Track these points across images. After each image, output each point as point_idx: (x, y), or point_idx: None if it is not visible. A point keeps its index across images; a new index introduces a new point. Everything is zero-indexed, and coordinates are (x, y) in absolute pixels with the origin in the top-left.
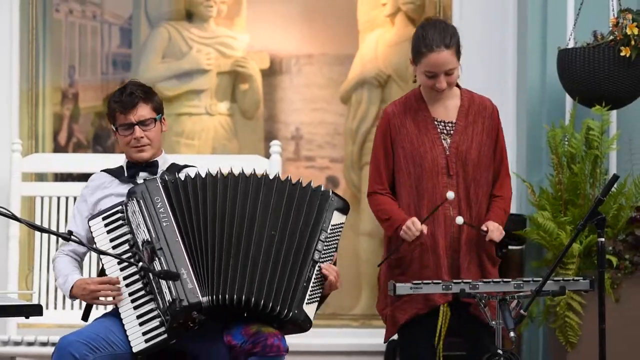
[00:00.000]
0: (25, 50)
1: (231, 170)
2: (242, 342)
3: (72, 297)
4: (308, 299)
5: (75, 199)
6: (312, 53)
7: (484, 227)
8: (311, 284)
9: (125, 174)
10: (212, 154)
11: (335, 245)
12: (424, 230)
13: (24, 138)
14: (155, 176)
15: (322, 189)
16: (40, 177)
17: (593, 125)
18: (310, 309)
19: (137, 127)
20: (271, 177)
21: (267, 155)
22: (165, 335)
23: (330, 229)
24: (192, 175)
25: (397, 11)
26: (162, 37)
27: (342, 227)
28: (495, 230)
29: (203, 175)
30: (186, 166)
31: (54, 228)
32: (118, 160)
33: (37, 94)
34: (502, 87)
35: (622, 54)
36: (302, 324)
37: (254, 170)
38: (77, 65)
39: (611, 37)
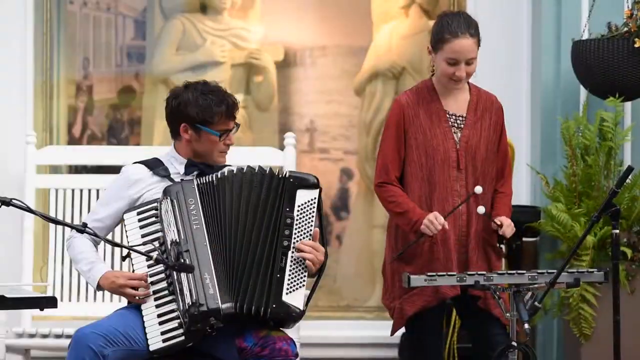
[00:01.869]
0: (39, 43)
1: (238, 169)
2: (252, 345)
3: (99, 287)
4: (288, 289)
5: (89, 191)
6: (326, 45)
7: (497, 221)
8: (288, 273)
9: (184, 171)
10: None
11: (311, 223)
12: (446, 226)
13: (39, 130)
14: (192, 179)
15: (281, 172)
16: (55, 169)
17: (607, 116)
18: (294, 298)
19: (230, 134)
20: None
21: (282, 148)
22: (182, 338)
23: (299, 209)
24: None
25: (411, 3)
26: (176, 29)
27: (313, 202)
28: (508, 227)
29: (229, 174)
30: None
31: (68, 220)
32: (132, 153)
33: (52, 86)
34: (516, 79)
35: (637, 45)
36: (287, 317)
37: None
38: (91, 58)
39: (625, 29)
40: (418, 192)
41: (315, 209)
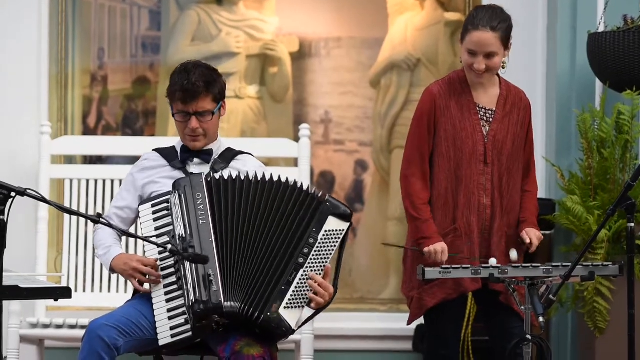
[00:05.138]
0: (54, 33)
1: (262, 175)
2: (227, 358)
3: (112, 270)
4: (287, 304)
5: (104, 181)
6: (341, 36)
7: (526, 239)
8: (292, 289)
9: (179, 158)
10: (241, 137)
11: (329, 253)
12: (444, 262)
13: (53, 121)
14: (201, 172)
15: (320, 194)
16: (69, 159)
17: (624, 109)
18: (290, 315)
19: (193, 118)
20: (285, 179)
21: (296, 139)
22: (189, 333)
23: (324, 235)
24: (245, 168)
25: None
26: (191, 19)
27: (339, 234)
28: (536, 242)
29: (244, 176)
30: (241, 152)
31: (82, 210)
32: (147, 143)
33: (67, 77)
34: (532, 72)
35: None
36: (276, 329)
37: (275, 176)
38: (106, 48)
39: None
40: (445, 184)
41: (339, 241)
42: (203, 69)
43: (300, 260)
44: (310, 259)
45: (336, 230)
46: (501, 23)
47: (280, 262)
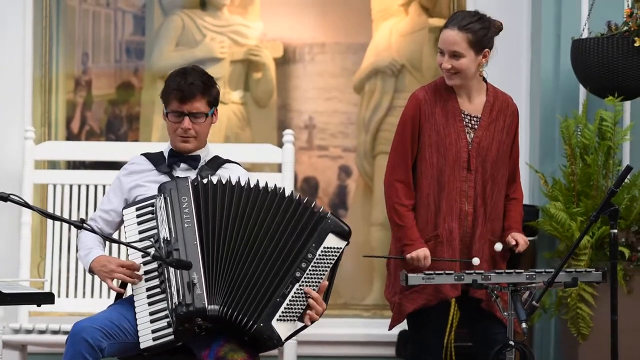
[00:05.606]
0: (38, 37)
1: (256, 183)
2: None
3: (91, 271)
4: (280, 316)
5: (87, 187)
6: (326, 42)
7: (512, 241)
8: (287, 302)
9: (166, 162)
10: (225, 142)
11: (325, 269)
12: (427, 268)
13: (37, 125)
14: (187, 176)
15: (322, 210)
16: (53, 164)
17: (606, 116)
18: (282, 327)
19: (187, 118)
20: (280, 189)
21: (280, 144)
22: (172, 337)
23: (322, 251)
24: (231, 176)
25: (411, 1)
26: (175, 25)
27: (337, 251)
28: (523, 244)
29: (234, 182)
30: (228, 161)
31: (66, 216)
32: (131, 149)
33: (50, 81)
34: (516, 78)
35: (636, 44)
36: (267, 340)
37: (268, 184)
38: (90, 53)
39: (625, 28)
40: (427, 190)
41: (335, 259)
42: (201, 73)
43: (297, 274)
44: (307, 274)
45: (334, 248)
46: (472, 24)
47: (276, 274)
